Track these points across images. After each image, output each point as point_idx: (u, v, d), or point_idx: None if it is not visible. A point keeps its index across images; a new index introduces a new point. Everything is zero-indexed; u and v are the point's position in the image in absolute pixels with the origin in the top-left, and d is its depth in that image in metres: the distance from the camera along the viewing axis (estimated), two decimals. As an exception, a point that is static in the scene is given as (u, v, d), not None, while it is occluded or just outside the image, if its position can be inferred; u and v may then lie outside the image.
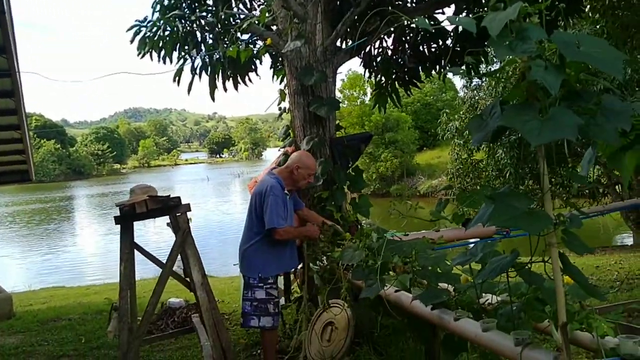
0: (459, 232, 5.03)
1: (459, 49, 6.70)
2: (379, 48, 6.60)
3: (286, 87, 5.34)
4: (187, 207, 3.55)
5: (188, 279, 4.08)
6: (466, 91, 18.18)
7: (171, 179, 72.62)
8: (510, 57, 1.91)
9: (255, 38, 6.33)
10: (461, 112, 17.66)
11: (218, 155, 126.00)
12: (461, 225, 5.05)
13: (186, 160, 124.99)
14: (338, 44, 5.43)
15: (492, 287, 2.63)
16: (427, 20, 2.24)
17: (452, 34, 6.59)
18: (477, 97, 16.30)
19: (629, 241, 16.40)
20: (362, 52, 6.21)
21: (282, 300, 5.45)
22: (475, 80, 17.44)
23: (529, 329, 2.28)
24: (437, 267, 2.99)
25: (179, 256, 3.87)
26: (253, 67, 6.73)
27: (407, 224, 4.31)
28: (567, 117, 1.80)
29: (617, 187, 15.25)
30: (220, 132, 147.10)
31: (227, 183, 60.36)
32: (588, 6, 7.88)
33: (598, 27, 7.91)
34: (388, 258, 3.53)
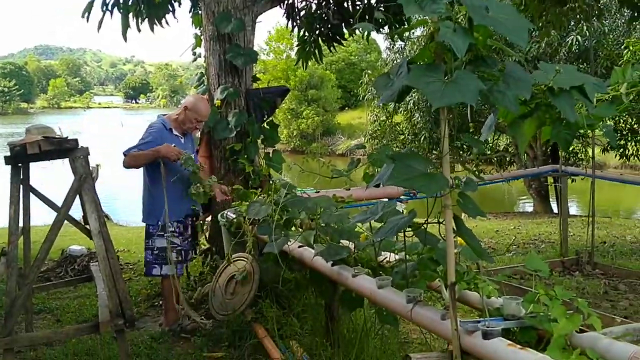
0: (369, 191, 5.12)
1: (382, 8, 6.70)
2: (303, 1, 6.45)
3: (202, 33, 5.13)
4: (86, 151, 3.35)
5: (88, 227, 3.91)
6: (389, 53, 18.32)
7: (82, 122, 69.17)
8: (420, 17, 1.90)
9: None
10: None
11: (134, 101, 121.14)
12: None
13: (99, 103, 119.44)
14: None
15: (391, 245, 2.69)
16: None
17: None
18: (399, 59, 16.44)
19: (530, 208, 17.42)
20: (285, 2, 6.05)
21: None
22: (399, 43, 17.61)
23: (423, 287, 2.35)
24: (340, 224, 3.01)
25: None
26: (170, 8, 6.40)
27: (320, 181, 4.33)
28: (470, 81, 1.81)
29: (523, 155, 16.04)
30: (137, 77, 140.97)
31: (142, 129, 58.24)
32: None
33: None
34: (294, 214, 3.54)
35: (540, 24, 7.98)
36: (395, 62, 16.69)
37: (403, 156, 1.99)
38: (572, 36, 12.40)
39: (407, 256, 2.48)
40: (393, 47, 18.00)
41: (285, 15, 6.37)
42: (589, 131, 4.79)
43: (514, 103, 1.91)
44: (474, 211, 2.05)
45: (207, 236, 5.12)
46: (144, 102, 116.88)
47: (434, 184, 1.88)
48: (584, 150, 17.38)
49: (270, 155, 4.92)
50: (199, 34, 5.16)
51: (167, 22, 6.38)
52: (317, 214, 3.16)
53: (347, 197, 4.63)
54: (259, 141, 4.93)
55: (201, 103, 4.21)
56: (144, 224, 4.41)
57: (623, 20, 13.39)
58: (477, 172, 2.25)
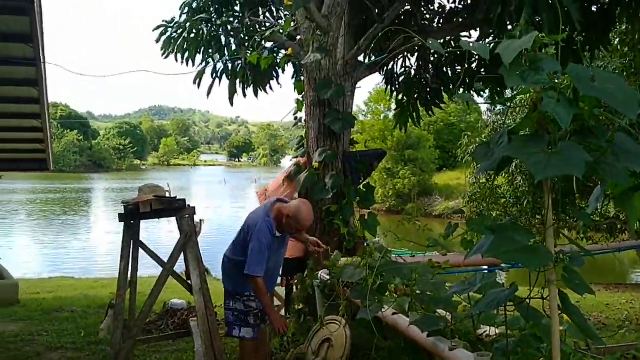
0: (463, 256, 4.96)
1: (483, 72, 6.67)
2: (402, 67, 6.57)
3: (304, 98, 5.34)
4: (193, 210, 3.54)
5: (189, 282, 4.07)
6: (490, 115, 18.06)
7: (189, 179, 73.03)
8: (522, 87, 1.88)
9: (278, 47, 6.35)
10: (483, 136, 17.53)
11: (237, 159, 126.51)
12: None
13: (205, 161, 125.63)
14: (361, 59, 5.42)
15: (491, 319, 2.57)
16: (441, 44, 2.20)
17: (476, 57, 6.55)
18: (499, 122, 16.16)
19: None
20: (384, 68, 6.19)
21: (282, 312, 5.42)
22: (500, 105, 17.30)
23: (525, 365, 2.22)
24: (436, 292, 2.93)
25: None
26: (274, 75, 6.76)
27: (416, 245, 4.24)
28: (575, 152, 1.75)
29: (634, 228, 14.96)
30: (241, 136, 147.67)
31: (243, 187, 60.55)
32: (617, 39, 7.78)
33: (627, 61, 7.79)
34: (389, 279, 3.49)
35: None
36: (495, 124, 16.46)
37: (503, 227, 1.93)
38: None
39: (509, 331, 2.37)
40: (494, 109, 17.74)
41: (384, 81, 6.50)
42: None
43: (624, 176, 1.82)
44: (581, 288, 1.94)
45: (297, 297, 5.14)
46: (246, 161, 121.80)
47: (536, 258, 1.81)
48: None
49: (366, 217, 4.93)
50: (301, 99, 5.37)
51: (271, 88, 6.73)
52: (412, 281, 3.09)
53: (444, 262, 4.52)
54: (354, 203, 4.97)
55: (305, 212, 4.07)
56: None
57: None
58: (582, 241, 2.13)
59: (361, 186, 5.04)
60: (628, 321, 7.14)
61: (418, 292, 3.05)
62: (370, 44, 5.24)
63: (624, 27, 7.51)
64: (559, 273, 1.94)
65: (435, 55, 6.46)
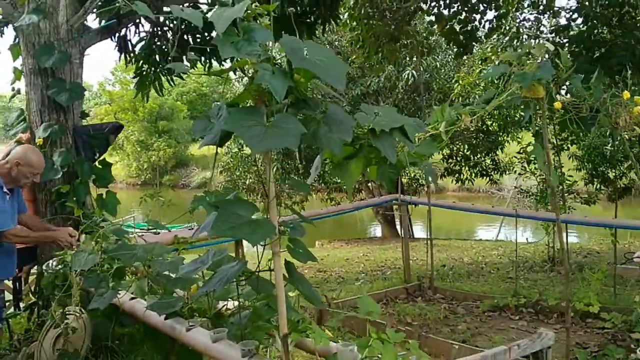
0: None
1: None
2: (136, 33, 6.17)
3: (22, 66, 4.66)
4: None
5: None
6: (238, 85, 18.28)
7: None
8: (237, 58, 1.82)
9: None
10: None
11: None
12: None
13: None
14: (90, 25, 4.92)
15: (227, 293, 2.55)
16: (148, 8, 2.03)
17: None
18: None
19: (379, 233, 18.16)
20: (117, 35, 5.74)
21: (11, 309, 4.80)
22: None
23: (260, 337, 2.24)
24: (175, 272, 2.80)
25: None
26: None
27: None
28: (291, 124, 1.75)
29: (369, 184, 16.79)
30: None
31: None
32: (347, 14, 8.42)
33: (355, 34, 8.51)
34: (126, 262, 3.26)
35: (377, 60, 8.41)
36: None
37: (227, 203, 1.88)
38: (408, 71, 13.28)
39: (246, 303, 2.37)
40: (242, 80, 18.02)
41: (116, 48, 6.02)
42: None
43: (339, 145, 1.89)
44: (304, 257, 1.99)
45: (33, 289, 4.59)
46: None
47: (259, 231, 1.79)
48: (423, 176, 18.64)
49: (104, 196, 4.54)
50: (19, 67, 4.67)
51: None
52: (147, 262, 2.92)
53: (191, 237, 4.42)
54: (90, 182, 4.54)
55: (33, 154, 3.67)
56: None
57: (453, 57, 14.67)
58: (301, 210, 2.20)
59: (97, 163, 4.61)
60: (363, 273, 7.96)
61: (155, 274, 2.89)
62: (98, 5, 4.78)
63: (352, 2, 8.15)
64: (284, 244, 1.97)
65: (175, 22, 6.21)
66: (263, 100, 1.86)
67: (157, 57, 6.45)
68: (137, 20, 5.77)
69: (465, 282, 6.95)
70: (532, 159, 9.05)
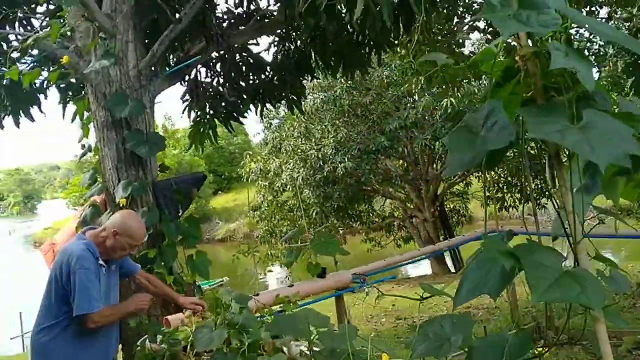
0: (313, 284, 4.37)
1: (277, 82, 6.22)
2: (207, 76, 5.74)
3: (87, 120, 4.22)
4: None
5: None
6: (267, 132, 17.90)
7: None
8: (509, 36, 1.29)
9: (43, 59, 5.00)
10: (264, 154, 17.39)
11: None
12: (316, 276, 4.42)
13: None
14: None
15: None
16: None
17: (270, 66, 6.08)
18: (278, 138, 16.11)
19: (425, 271, 17.32)
20: (187, 78, 5.29)
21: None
22: (276, 121, 17.36)
23: None
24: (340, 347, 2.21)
25: None
26: (37, 100, 5.36)
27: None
28: (610, 123, 1.21)
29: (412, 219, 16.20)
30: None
31: (-6, 237, 52.44)
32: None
33: (406, 61, 8.17)
34: (257, 335, 2.69)
35: (437, 83, 7.98)
36: (275, 140, 16.32)
37: (528, 249, 1.32)
38: (446, 99, 12.80)
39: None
40: (270, 126, 17.67)
41: (187, 93, 5.53)
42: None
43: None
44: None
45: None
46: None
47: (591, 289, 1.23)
48: (464, 206, 17.99)
49: (194, 257, 3.99)
50: (85, 122, 4.22)
51: (31, 117, 5.32)
52: (310, 336, 2.32)
53: (293, 294, 3.85)
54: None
55: (133, 222, 3.15)
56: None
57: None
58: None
59: (181, 220, 4.09)
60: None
61: (317, 350, 2.29)
62: (166, 49, 4.36)
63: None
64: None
65: (226, 65, 5.77)
66: (547, 96, 1.32)
67: (211, 102, 6.02)
68: (210, 62, 5.33)
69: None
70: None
